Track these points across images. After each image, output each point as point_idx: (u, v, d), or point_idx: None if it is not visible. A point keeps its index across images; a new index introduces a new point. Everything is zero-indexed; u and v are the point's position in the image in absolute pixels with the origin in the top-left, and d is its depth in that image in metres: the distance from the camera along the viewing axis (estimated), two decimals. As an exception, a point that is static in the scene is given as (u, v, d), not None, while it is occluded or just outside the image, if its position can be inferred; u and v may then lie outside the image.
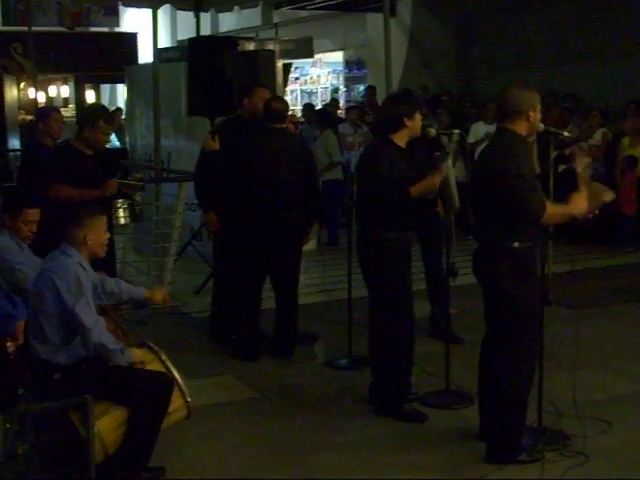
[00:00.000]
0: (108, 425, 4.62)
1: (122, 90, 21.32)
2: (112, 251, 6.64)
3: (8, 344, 4.65)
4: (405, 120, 5.57)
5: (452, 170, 5.61)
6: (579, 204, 4.83)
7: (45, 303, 4.63)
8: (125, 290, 5.11)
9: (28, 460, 4.48)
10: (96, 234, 4.80)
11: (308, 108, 14.64)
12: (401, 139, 5.61)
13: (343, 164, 12.14)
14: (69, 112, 19.35)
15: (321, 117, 12.81)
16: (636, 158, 11.15)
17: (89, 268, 4.80)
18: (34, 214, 5.44)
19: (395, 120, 5.59)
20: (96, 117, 6.50)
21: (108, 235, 4.96)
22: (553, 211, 4.78)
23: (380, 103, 13.62)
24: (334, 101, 16.29)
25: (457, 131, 6.24)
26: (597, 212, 4.95)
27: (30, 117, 16.23)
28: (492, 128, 11.52)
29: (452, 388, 5.97)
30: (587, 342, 6.72)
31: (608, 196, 4.96)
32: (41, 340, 4.65)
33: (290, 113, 8.14)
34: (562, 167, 11.18)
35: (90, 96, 21.37)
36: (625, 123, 11.64)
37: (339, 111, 15.11)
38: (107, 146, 7.77)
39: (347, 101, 18.41)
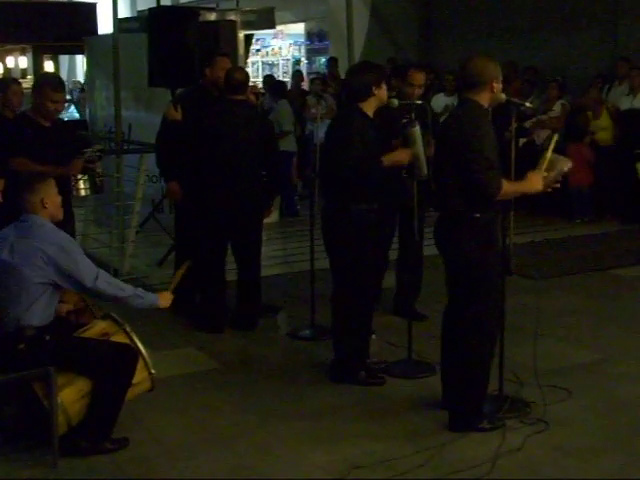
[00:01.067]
0: (72, 396, 4.61)
1: (81, 61, 21.09)
2: (72, 223, 6.59)
3: None
4: (373, 89, 5.58)
5: (420, 137, 5.62)
6: (534, 183, 4.88)
7: (23, 274, 4.59)
8: (147, 295, 5.05)
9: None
10: (51, 197, 4.79)
11: (269, 80, 14.59)
12: (369, 108, 5.62)
13: (306, 135, 12.11)
14: (27, 83, 19.07)
15: (274, 88, 12.83)
16: (586, 129, 11.21)
17: None
18: None
19: (364, 88, 5.60)
20: (43, 85, 6.41)
21: (60, 198, 4.91)
22: (509, 189, 4.82)
23: (342, 74, 13.61)
24: (297, 72, 16.19)
25: (419, 102, 6.24)
26: (558, 185, 5.00)
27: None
28: (452, 99, 11.60)
29: (414, 358, 6.02)
30: (548, 312, 6.81)
31: (567, 165, 5.00)
32: (15, 305, 4.62)
33: (251, 84, 8.10)
34: (523, 140, 11.32)
35: (49, 67, 21.07)
36: (587, 96, 11.70)
37: (303, 83, 15.04)
38: (66, 118, 7.68)
39: (309, 73, 18.33)
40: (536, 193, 4.97)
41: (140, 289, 4.92)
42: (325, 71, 16.55)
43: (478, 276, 4.88)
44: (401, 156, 5.70)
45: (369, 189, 5.57)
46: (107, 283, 4.72)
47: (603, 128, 11.19)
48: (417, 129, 5.57)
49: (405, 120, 5.71)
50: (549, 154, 4.97)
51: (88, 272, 4.67)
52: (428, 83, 13.56)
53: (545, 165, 4.93)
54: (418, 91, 6.46)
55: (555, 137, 5.20)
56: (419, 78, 6.58)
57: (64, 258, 4.61)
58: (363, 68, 5.94)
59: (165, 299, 5.02)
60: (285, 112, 11.89)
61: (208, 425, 5.19)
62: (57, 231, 4.74)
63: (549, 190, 5.03)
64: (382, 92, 5.65)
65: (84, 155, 6.50)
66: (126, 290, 4.81)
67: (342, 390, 5.66)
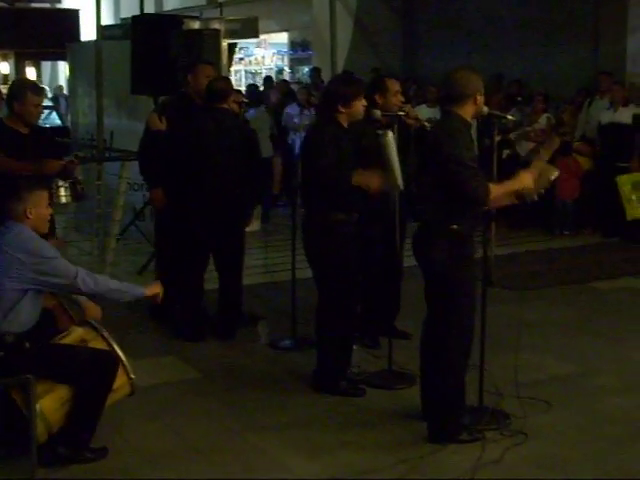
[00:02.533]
0: (51, 404, 4.58)
1: (64, 67, 21.02)
2: (52, 231, 6.55)
3: None
4: (339, 107, 5.56)
5: (394, 147, 5.60)
6: (525, 180, 4.88)
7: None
8: (129, 287, 5.03)
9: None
10: (37, 209, 4.75)
11: (252, 89, 14.61)
12: (342, 120, 5.62)
13: (288, 144, 12.11)
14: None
15: (250, 95, 12.83)
16: (571, 144, 11.29)
17: None
18: None
19: (332, 104, 5.60)
20: (23, 90, 6.37)
21: (50, 211, 4.91)
22: (498, 191, 4.83)
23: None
24: (284, 82, 16.23)
25: (402, 113, 6.25)
26: (542, 192, 5.01)
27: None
28: (434, 111, 11.63)
29: (395, 368, 6.01)
30: (528, 324, 6.82)
31: (553, 174, 5.02)
32: None
33: (235, 93, 8.09)
34: (506, 152, 11.38)
35: (31, 73, 21.04)
36: (565, 110, 11.79)
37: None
38: (47, 125, 7.65)
39: (292, 82, 18.35)
40: (526, 199, 4.98)
41: (125, 283, 4.91)
42: (308, 81, 16.58)
43: (452, 288, 4.88)
44: (371, 181, 5.57)
45: (347, 199, 5.57)
46: (87, 281, 4.68)
47: (582, 154, 11.30)
48: (390, 138, 5.55)
49: (379, 130, 5.70)
50: (542, 162, 4.99)
51: (65, 272, 4.65)
52: (410, 94, 13.66)
53: (537, 168, 4.94)
54: (395, 99, 6.40)
55: (556, 140, 5.23)
56: (394, 86, 6.50)
57: (39, 262, 4.59)
58: (338, 82, 5.94)
59: (156, 290, 5.03)
60: (261, 119, 11.89)
61: (187, 434, 5.17)
62: (31, 238, 4.68)
63: (535, 198, 5.04)
64: (354, 109, 5.62)
65: (62, 157, 6.48)
66: (109, 285, 4.80)
67: (323, 400, 5.64)
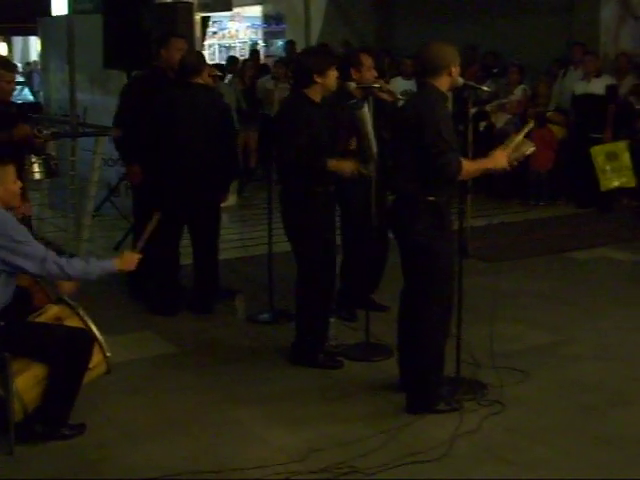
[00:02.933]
0: (27, 382, 4.56)
1: (35, 43, 20.81)
2: (27, 205, 6.49)
3: None
4: (315, 76, 5.55)
5: (369, 119, 5.59)
6: (499, 160, 4.89)
7: None
8: (97, 266, 4.93)
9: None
10: (5, 184, 4.65)
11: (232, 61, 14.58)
12: (315, 94, 5.60)
13: (263, 117, 12.04)
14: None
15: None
16: (545, 115, 11.31)
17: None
18: None
19: (306, 75, 5.57)
20: None
21: (19, 184, 4.79)
22: (471, 168, 4.84)
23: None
24: (254, 53, 16.15)
25: (377, 85, 6.24)
26: (516, 164, 5.02)
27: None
28: (410, 83, 11.61)
29: (372, 340, 6.03)
30: (504, 294, 6.86)
31: (529, 149, 5.04)
32: None
33: (209, 67, 8.03)
34: (483, 124, 11.40)
35: (2, 48, 20.82)
36: (541, 81, 11.80)
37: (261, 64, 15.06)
38: (20, 101, 7.57)
39: (266, 56, 18.27)
40: (497, 171, 4.99)
41: (93, 259, 4.80)
42: (282, 54, 16.51)
43: (430, 259, 4.88)
44: (344, 167, 5.59)
45: (322, 173, 5.56)
46: (56, 266, 4.57)
47: (555, 124, 11.33)
48: (365, 110, 5.53)
49: (353, 101, 5.67)
50: (520, 137, 5.00)
51: (34, 255, 4.53)
52: (385, 67, 13.62)
53: (512, 146, 4.95)
54: (369, 74, 6.36)
55: (530, 124, 5.24)
56: (368, 61, 6.46)
57: (7, 244, 4.51)
58: (310, 53, 5.90)
59: (128, 260, 4.88)
60: (226, 93, 11.84)
61: (165, 409, 5.17)
62: (2, 219, 4.62)
63: (507, 169, 5.05)
64: (328, 79, 5.59)
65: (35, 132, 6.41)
66: (78, 267, 4.64)
67: (300, 373, 5.66)
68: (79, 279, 4.77)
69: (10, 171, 4.73)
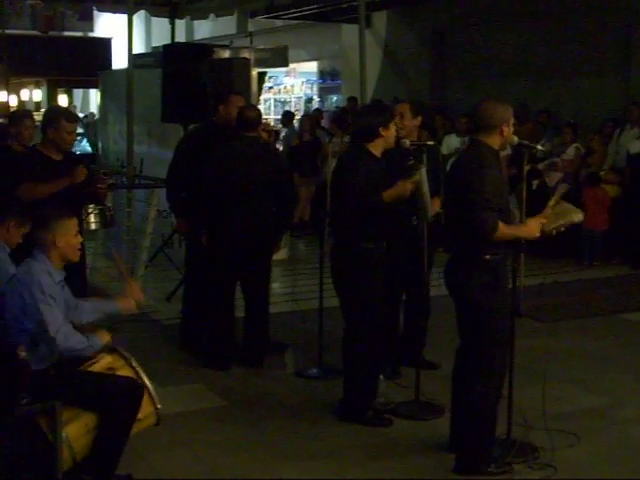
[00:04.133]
0: (77, 431, 4.57)
1: (95, 95, 21.22)
2: (83, 257, 6.58)
3: (21, 352, 4.54)
4: (380, 130, 5.59)
5: (425, 178, 5.61)
6: (532, 230, 4.90)
7: (13, 310, 4.58)
8: (99, 309, 5.01)
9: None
10: (66, 237, 4.72)
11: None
12: (377, 149, 5.64)
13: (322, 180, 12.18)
14: (41, 116, 19.25)
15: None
16: (599, 175, 11.25)
17: (60, 280, 4.75)
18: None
19: (371, 130, 5.62)
20: (57, 117, 6.43)
21: (80, 239, 4.87)
22: (504, 232, 4.81)
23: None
24: (317, 111, 16.34)
25: (431, 142, 6.26)
26: (562, 229, 5.01)
27: (1, 120, 16.11)
28: (464, 141, 11.62)
29: (422, 399, 5.97)
30: (557, 355, 6.77)
31: (578, 217, 5.03)
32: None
33: (263, 122, 8.14)
34: (535, 183, 11.35)
35: (62, 100, 21.25)
36: (593, 139, 11.76)
37: (322, 120, 15.25)
38: (78, 151, 7.72)
39: (324, 111, 18.46)
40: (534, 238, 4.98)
41: (89, 338, 4.75)
42: (336, 109, 16.68)
43: (486, 318, 4.85)
44: (400, 189, 5.59)
45: (376, 227, 5.57)
46: (66, 338, 4.57)
47: (610, 183, 11.25)
48: (423, 171, 5.56)
49: (411, 161, 5.70)
50: (552, 202, 5.00)
51: (52, 324, 4.53)
52: (437, 124, 13.68)
53: (548, 212, 4.95)
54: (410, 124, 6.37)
55: (563, 188, 5.24)
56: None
57: (30, 300, 4.55)
58: (372, 109, 5.95)
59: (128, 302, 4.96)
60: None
61: (212, 463, 5.15)
62: (36, 272, 4.61)
63: (553, 234, 5.05)
64: (390, 133, 5.66)
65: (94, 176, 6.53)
66: (82, 343, 4.65)
67: (348, 430, 5.61)
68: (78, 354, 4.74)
69: (72, 225, 4.79)
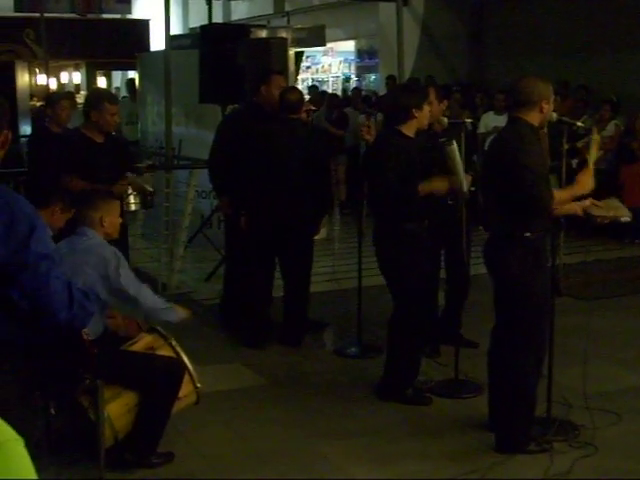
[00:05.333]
0: (118, 409, 4.63)
1: (134, 77, 21.30)
2: (125, 237, 6.65)
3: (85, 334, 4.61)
4: (414, 111, 5.56)
5: (458, 156, 5.57)
6: (585, 184, 4.88)
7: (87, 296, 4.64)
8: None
9: (37, 444, 4.48)
10: (111, 217, 4.92)
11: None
12: (410, 130, 5.60)
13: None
14: (80, 98, 19.37)
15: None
16: (635, 151, 11.09)
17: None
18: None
19: (404, 111, 5.59)
20: (100, 100, 6.50)
21: (121, 220, 5.08)
22: (561, 197, 4.79)
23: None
24: (355, 90, 16.29)
25: (469, 120, 6.22)
26: (607, 221, 4.98)
27: (40, 103, 16.25)
28: (502, 118, 11.50)
29: (461, 377, 5.97)
30: (597, 334, 6.71)
31: (625, 215, 5.00)
32: None
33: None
34: (575, 161, 11.22)
35: (102, 82, 21.36)
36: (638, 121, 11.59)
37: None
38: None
39: (362, 89, 18.40)
40: (597, 220, 4.95)
41: (169, 304, 4.94)
42: (374, 88, 16.61)
43: (527, 297, 4.82)
44: (438, 185, 5.59)
45: (415, 209, 5.55)
46: (148, 296, 4.78)
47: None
48: (454, 147, 5.52)
49: (443, 139, 5.67)
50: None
51: (130, 284, 4.72)
52: (477, 102, 13.58)
53: (592, 160, 4.93)
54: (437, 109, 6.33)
55: (596, 136, 5.22)
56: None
57: (107, 269, 4.67)
58: (405, 90, 5.91)
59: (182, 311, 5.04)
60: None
61: (252, 441, 5.19)
62: (104, 245, 4.79)
63: (597, 222, 5.03)
64: (423, 114, 5.62)
65: (133, 174, 6.62)
66: (164, 303, 4.89)
67: (388, 408, 5.62)
68: (156, 318, 4.88)
69: (117, 206, 5.06)
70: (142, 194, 6.90)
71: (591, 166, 4.93)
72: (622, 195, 10.00)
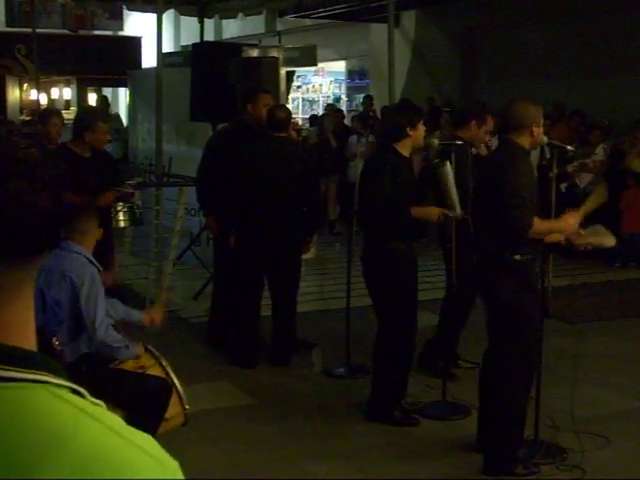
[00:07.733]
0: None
1: (124, 94, 21.32)
2: (112, 254, 6.62)
3: (55, 342, 4.58)
4: (408, 130, 5.58)
5: (451, 176, 5.59)
6: (567, 225, 4.88)
7: (59, 304, 4.61)
8: (128, 313, 5.08)
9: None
10: (90, 230, 4.84)
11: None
12: (404, 148, 5.62)
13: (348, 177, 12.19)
14: (70, 114, 19.34)
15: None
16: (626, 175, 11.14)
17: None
18: None
19: (398, 130, 5.61)
20: (93, 119, 6.50)
21: (100, 232, 4.96)
22: (540, 227, 4.79)
23: (378, 112, 13.68)
24: (338, 111, 16.28)
25: (460, 142, 6.23)
26: (590, 248, 5.00)
27: (29, 118, 16.21)
28: (493, 140, 11.54)
29: (449, 399, 5.96)
30: (586, 357, 6.71)
31: (609, 242, 5.02)
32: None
33: (292, 121, 8.14)
34: (564, 185, 11.26)
35: (92, 99, 21.34)
36: (625, 141, 11.65)
37: (345, 120, 15.25)
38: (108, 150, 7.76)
39: (349, 110, 18.44)
40: (579, 247, 4.97)
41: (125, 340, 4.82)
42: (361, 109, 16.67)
43: (517, 319, 4.83)
44: (429, 214, 5.66)
45: (405, 229, 5.56)
46: (108, 331, 4.64)
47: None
48: (447, 168, 5.54)
49: (437, 160, 5.70)
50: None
51: (100, 315, 4.62)
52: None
53: (586, 209, 4.93)
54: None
55: (603, 187, 5.23)
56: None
57: (84, 292, 4.61)
58: (399, 108, 5.95)
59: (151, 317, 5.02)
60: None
61: (240, 460, 5.17)
62: (87, 265, 4.73)
63: (580, 249, 5.05)
64: (418, 133, 5.65)
65: (119, 189, 6.60)
66: (119, 342, 4.71)
67: (375, 429, 5.61)
68: (113, 354, 4.76)
69: (95, 216, 4.98)
70: (130, 210, 6.88)
71: (582, 213, 4.95)
72: (621, 221, 10.03)
